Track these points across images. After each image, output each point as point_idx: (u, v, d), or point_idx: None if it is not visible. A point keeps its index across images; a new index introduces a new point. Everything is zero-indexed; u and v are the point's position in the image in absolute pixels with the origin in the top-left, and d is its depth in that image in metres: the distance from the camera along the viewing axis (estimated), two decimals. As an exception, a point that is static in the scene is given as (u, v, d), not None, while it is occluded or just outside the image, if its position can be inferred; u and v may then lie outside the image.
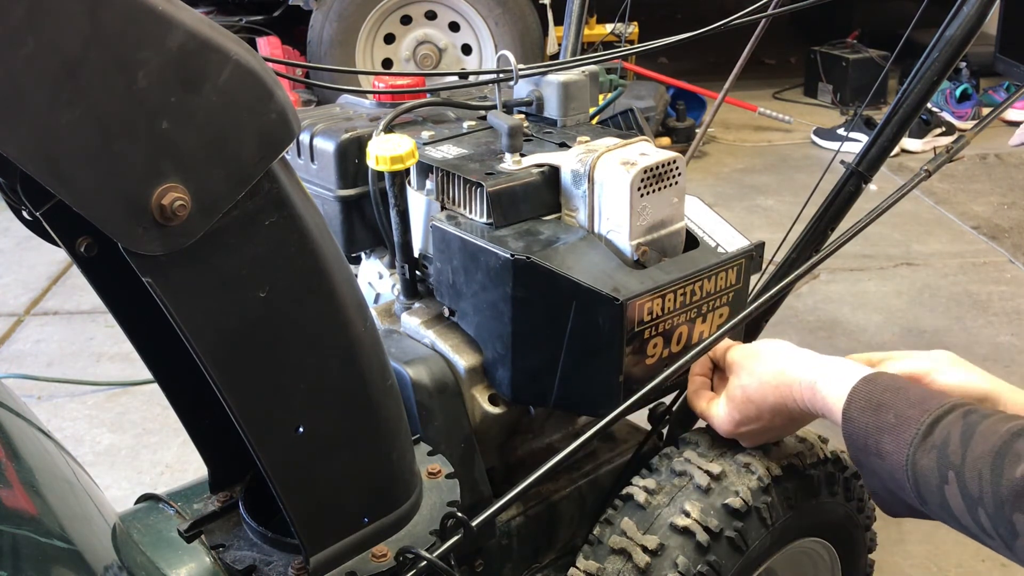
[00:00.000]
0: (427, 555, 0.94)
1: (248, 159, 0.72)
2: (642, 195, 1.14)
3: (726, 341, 1.20)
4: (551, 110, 1.36)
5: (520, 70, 1.29)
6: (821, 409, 1.02)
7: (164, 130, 0.67)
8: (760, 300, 1.23)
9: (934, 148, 4.26)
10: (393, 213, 1.22)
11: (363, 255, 1.42)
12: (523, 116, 1.38)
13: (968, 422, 0.85)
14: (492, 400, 1.24)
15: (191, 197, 0.69)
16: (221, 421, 0.87)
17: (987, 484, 0.80)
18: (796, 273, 1.29)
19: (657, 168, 1.15)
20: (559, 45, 2.03)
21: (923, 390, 0.93)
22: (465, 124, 1.37)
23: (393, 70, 4.25)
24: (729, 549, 1.19)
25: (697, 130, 4.24)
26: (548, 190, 1.21)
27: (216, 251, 0.73)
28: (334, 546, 0.92)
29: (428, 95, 1.40)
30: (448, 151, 1.26)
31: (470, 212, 1.20)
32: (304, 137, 1.29)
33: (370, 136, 1.23)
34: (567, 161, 1.19)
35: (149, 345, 0.97)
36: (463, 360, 1.22)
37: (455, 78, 1.53)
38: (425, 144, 1.29)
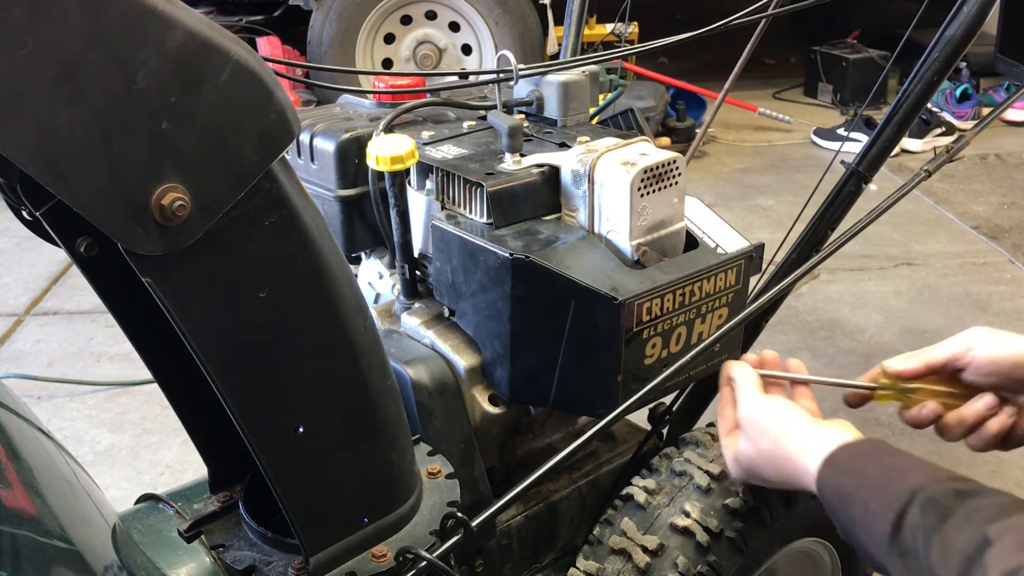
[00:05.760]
0: (427, 555, 0.94)
1: (248, 159, 0.72)
2: (642, 195, 1.14)
3: (738, 368, 1.15)
4: (551, 110, 1.36)
5: (520, 70, 1.29)
6: (810, 487, 1.01)
7: (164, 130, 0.67)
8: (760, 300, 1.23)
9: (934, 148, 4.26)
10: (393, 213, 1.22)
11: (363, 255, 1.42)
12: (523, 116, 1.38)
13: (926, 524, 0.84)
14: (492, 400, 1.24)
15: (191, 197, 0.69)
16: (221, 421, 0.87)
17: None
18: (796, 273, 1.29)
19: (657, 168, 1.15)
20: (559, 45, 2.03)
21: (881, 467, 0.92)
22: (465, 124, 1.37)
23: (393, 70, 4.25)
24: (729, 549, 1.19)
25: (697, 130, 4.24)
26: (548, 190, 1.21)
27: (216, 251, 0.73)
28: (334, 546, 0.92)
29: (428, 95, 1.40)
30: (448, 151, 1.26)
31: (470, 212, 1.20)
32: (304, 137, 1.29)
33: (370, 136, 1.23)
34: (567, 161, 1.19)
35: (149, 345, 0.97)
36: (463, 360, 1.22)
37: (455, 78, 1.53)
38: (425, 144, 1.29)
